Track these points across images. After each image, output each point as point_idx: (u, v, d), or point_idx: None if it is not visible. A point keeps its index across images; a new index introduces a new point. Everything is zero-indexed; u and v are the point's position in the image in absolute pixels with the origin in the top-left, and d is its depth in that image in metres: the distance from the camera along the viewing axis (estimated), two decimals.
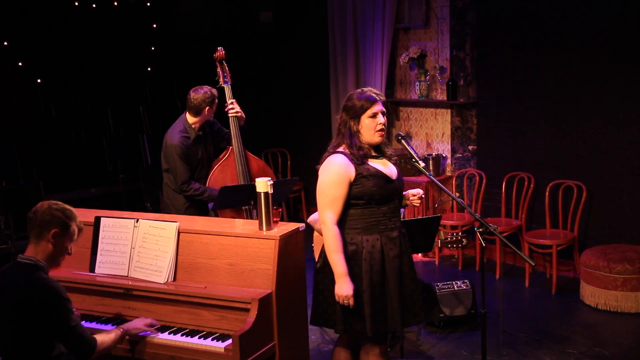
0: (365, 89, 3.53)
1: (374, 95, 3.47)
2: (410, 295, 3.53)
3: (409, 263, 3.56)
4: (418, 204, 3.71)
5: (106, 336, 3.27)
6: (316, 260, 4.90)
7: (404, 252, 3.53)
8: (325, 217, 3.41)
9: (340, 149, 3.51)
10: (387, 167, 3.51)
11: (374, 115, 3.44)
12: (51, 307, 3.03)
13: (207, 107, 5.04)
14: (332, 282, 3.45)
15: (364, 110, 3.44)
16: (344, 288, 3.37)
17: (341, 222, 3.49)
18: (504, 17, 6.43)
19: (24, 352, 3.07)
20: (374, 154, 3.53)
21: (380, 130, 3.46)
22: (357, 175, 3.42)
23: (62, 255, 3.22)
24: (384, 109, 3.49)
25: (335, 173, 3.42)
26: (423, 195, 3.73)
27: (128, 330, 3.40)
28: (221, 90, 5.22)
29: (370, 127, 3.45)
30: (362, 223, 3.45)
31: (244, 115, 5.23)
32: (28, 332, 3.04)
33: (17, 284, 3.07)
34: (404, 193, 3.66)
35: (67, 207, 3.23)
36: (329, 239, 3.40)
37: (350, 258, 3.44)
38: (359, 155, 3.45)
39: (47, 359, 3.09)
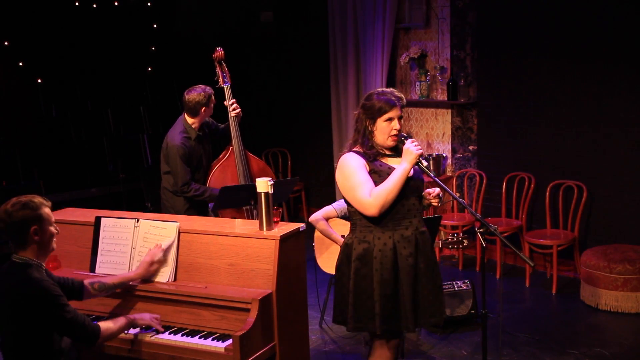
0: (387, 90, 3.50)
1: (394, 99, 3.44)
2: (427, 295, 3.49)
3: (427, 261, 3.50)
4: (436, 203, 3.62)
5: (111, 323, 3.29)
6: (320, 260, 4.94)
7: (420, 251, 3.48)
8: (364, 199, 3.35)
9: (356, 148, 3.51)
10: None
11: (390, 120, 3.43)
12: (43, 305, 3.04)
13: (204, 108, 5.03)
14: (349, 279, 3.46)
15: (381, 113, 3.42)
16: (409, 152, 3.35)
17: (354, 220, 3.50)
18: (504, 17, 6.43)
19: (24, 349, 3.09)
20: (388, 152, 3.53)
21: (394, 135, 3.46)
22: (369, 170, 3.43)
23: (52, 240, 3.21)
24: (401, 114, 3.47)
25: (352, 165, 3.42)
26: (441, 195, 3.61)
27: (134, 320, 3.41)
28: (221, 91, 5.21)
29: (385, 131, 3.44)
30: (375, 221, 3.43)
31: (241, 113, 5.25)
32: (24, 330, 3.05)
33: (9, 284, 3.08)
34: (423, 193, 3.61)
35: (25, 198, 3.16)
36: (380, 194, 3.33)
37: (362, 256, 3.43)
38: (371, 153, 3.46)
39: (47, 355, 3.09)
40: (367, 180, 3.39)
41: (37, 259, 3.14)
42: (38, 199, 3.18)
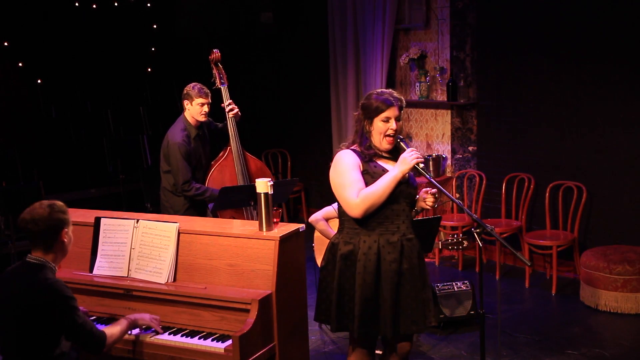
0: (385, 90, 3.49)
1: (392, 99, 3.42)
2: (410, 302, 3.43)
3: (412, 269, 3.44)
4: (432, 203, 3.54)
5: (114, 328, 3.29)
6: (320, 260, 4.93)
7: (405, 257, 3.42)
8: (350, 199, 3.34)
9: (354, 147, 3.49)
10: None
11: (387, 120, 3.42)
12: (57, 307, 3.05)
13: (185, 101, 5.04)
14: (333, 279, 3.44)
15: (378, 112, 3.41)
16: (404, 162, 3.32)
17: (342, 219, 3.50)
18: (504, 17, 6.43)
19: (27, 351, 3.08)
20: (385, 155, 3.50)
21: (389, 135, 3.43)
22: (363, 171, 3.41)
23: (70, 244, 3.26)
24: (399, 114, 3.44)
25: (345, 163, 3.41)
26: (437, 195, 3.55)
27: (135, 320, 3.42)
28: (218, 92, 5.21)
29: (381, 131, 3.42)
30: (361, 223, 3.41)
31: (239, 113, 5.25)
32: (32, 331, 3.05)
33: (22, 285, 3.09)
34: (417, 196, 3.56)
35: (58, 202, 3.23)
36: (367, 197, 3.31)
37: (346, 257, 3.42)
38: (368, 154, 3.44)
39: (49, 358, 3.10)
40: (358, 180, 3.37)
41: (53, 262, 3.18)
42: (62, 204, 3.24)
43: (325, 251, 3.57)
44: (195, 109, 5.03)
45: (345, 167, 3.40)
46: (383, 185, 3.34)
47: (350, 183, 3.36)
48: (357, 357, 3.59)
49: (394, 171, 3.35)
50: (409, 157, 3.32)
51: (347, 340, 5.02)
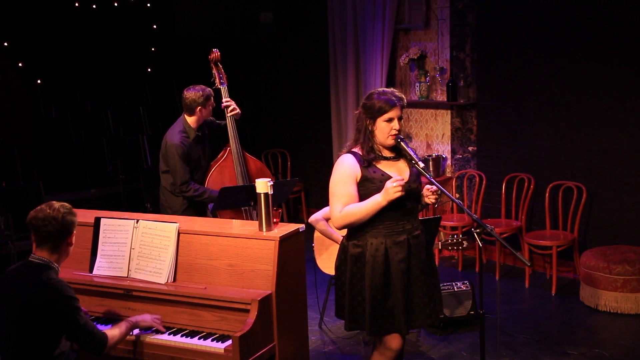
0: (387, 90, 3.49)
1: (394, 99, 3.43)
2: (422, 297, 3.50)
3: (421, 265, 3.50)
4: (434, 200, 3.48)
5: (116, 330, 3.30)
6: (320, 260, 4.96)
7: (413, 255, 3.47)
8: (334, 211, 3.42)
9: (356, 148, 3.51)
10: (397, 170, 3.48)
11: (390, 120, 3.42)
12: (59, 308, 3.06)
13: (200, 107, 5.01)
14: (346, 280, 3.49)
15: (381, 113, 3.41)
16: (387, 192, 3.29)
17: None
18: (504, 18, 6.43)
19: (27, 351, 3.08)
20: (388, 154, 3.50)
21: (394, 134, 3.44)
22: (362, 177, 3.44)
23: (72, 246, 3.29)
24: (401, 114, 3.46)
25: (341, 172, 3.45)
26: (438, 192, 3.47)
27: (137, 322, 3.43)
28: (217, 92, 5.21)
29: (385, 131, 3.44)
30: (368, 226, 3.44)
31: (239, 111, 5.25)
32: (33, 331, 3.06)
33: (26, 284, 3.10)
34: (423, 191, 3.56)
35: (67, 204, 3.27)
36: (349, 214, 3.38)
37: (357, 259, 3.46)
38: (369, 158, 3.45)
39: (49, 358, 3.10)
40: (345, 194, 3.41)
41: (57, 263, 3.21)
42: (70, 206, 3.29)
43: (339, 252, 3.61)
44: (208, 111, 5.08)
45: (339, 177, 3.45)
46: (365, 209, 3.37)
47: (339, 195, 3.42)
48: (383, 353, 3.59)
49: (378, 198, 3.35)
50: (391, 190, 3.29)
51: (347, 340, 5.04)
